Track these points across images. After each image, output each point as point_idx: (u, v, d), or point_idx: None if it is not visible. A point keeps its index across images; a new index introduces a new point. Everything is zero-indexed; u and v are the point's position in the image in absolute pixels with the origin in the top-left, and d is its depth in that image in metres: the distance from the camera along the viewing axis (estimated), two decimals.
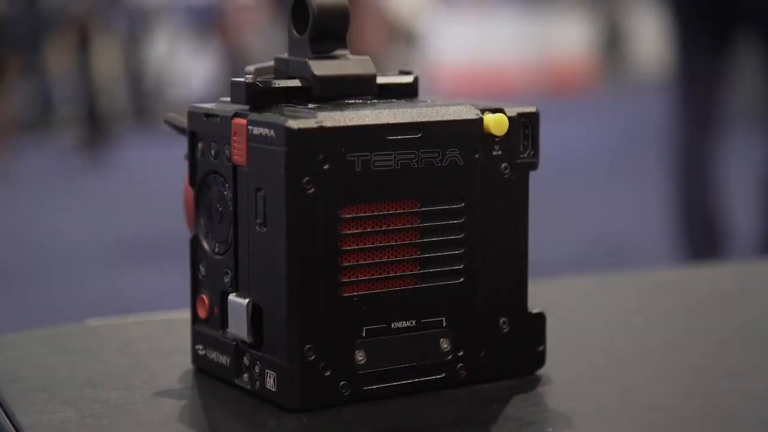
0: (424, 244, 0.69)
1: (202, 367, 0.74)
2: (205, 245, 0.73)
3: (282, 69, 0.73)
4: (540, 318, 0.74)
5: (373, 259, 0.68)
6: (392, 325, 0.69)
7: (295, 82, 0.71)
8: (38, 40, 7.17)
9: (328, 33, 0.71)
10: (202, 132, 0.73)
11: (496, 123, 0.70)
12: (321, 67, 0.71)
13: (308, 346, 0.66)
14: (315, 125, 0.66)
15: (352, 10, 0.73)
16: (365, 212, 0.68)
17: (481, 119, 0.70)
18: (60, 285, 3.79)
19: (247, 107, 0.70)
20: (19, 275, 3.92)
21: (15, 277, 3.90)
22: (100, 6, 7.28)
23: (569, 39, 9.29)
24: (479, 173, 0.70)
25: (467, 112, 0.70)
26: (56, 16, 6.89)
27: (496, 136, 0.71)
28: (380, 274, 0.68)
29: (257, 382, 0.69)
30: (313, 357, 0.66)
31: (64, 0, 6.80)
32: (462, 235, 0.70)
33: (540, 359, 0.74)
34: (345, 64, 0.72)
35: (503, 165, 0.71)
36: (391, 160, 0.68)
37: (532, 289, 0.73)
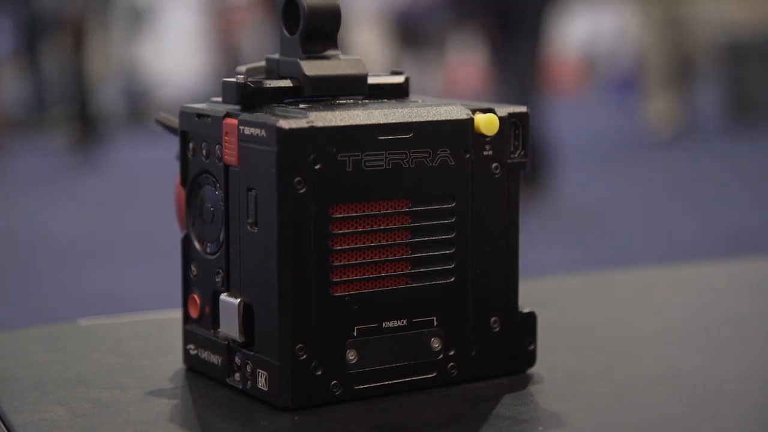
0: (415, 243, 0.70)
1: (193, 367, 0.74)
2: (197, 245, 0.73)
3: (273, 69, 0.73)
4: (531, 317, 0.74)
5: (364, 259, 0.68)
6: (383, 324, 0.69)
7: (287, 82, 0.71)
8: (33, 39, 7.17)
9: (320, 33, 0.72)
10: (193, 132, 0.73)
11: (487, 123, 0.71)
12: (312, 67, 0.71)
13: (300, 345, 0.66)
14: (306, 125, 0.66)
15: None
16: (356, 212, 0.68)
17: (472, 119, 0.71)
18: (52, 284, 3.78)
19: (238, 107, 0.70)
20: (11, 274, 3.92)
21: (7, 276, 3.89)
22: (94, 7, 7.27)
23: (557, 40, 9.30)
24: (470, 173, 0.71)
25: (458, 112, 0.70)
26: (51, 17, 6.88)
27: (486, 136, 0.71)
28: (371, 274, 0.68)
29: (249, 382, 0.69)
30: (304, 356, 0.67)
31: (58, 0, 6.79)
32: (453, 235, 0.70)
33: (531, 358, 0.74)
34: (336, 64, 0.72)
35: (494, 165, 0.71)
36: (382, 159, 0.68)
37: (522, 288, 0.73)
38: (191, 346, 0.74)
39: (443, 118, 0.70)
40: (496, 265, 0.72)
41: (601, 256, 3.90)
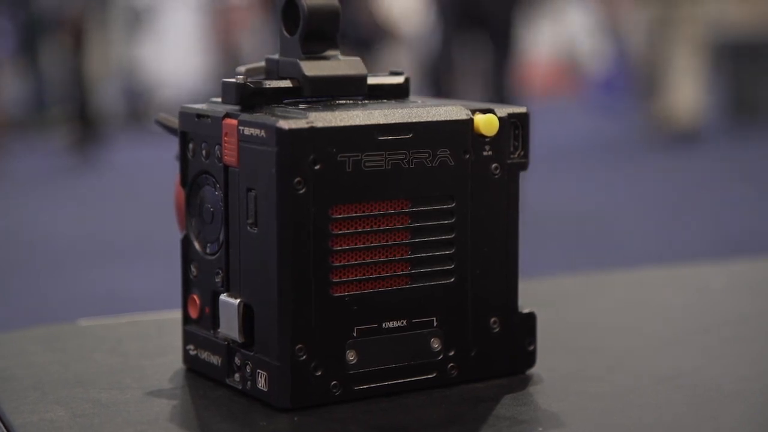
0: (415, 244, 0.70)
1: (193, 367, 0.74)
2: (197, 245, 0.73)
3: (273, 69, 0.73)
4: (530, 317, 0.74)
5: (364, 259, 0.68)
6: (383, 324, 0.69)
7: (286, 83, 0.71)
8: (33, 40, 7.17)
9: (319, 33, 0.72)
10: (193, 132, 0.73)
11: (487, 123, 0.71)
12: (312, 68, 0.71)
13: (299, 345, 0.66)
14: (306, 126, 0.66)
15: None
16: (356, 212, 0.68)
17: (472, 120, 0.71)
18: (52, 284, 3.78)
19: (238, 108, 0.70)
20: (11, 274, 3.92)
21: (7, 276, 3.89)
22: (94, 7, 7.26)
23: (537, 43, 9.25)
24: (470, 174, 0.71)
25: (458, 113, 0.71)
26: (50, 17, 6.88)
27: (486, 137, 0.71)
28: (371, 274, 0.68)
29: (248, 382, 0.69)
30: (304, 357, 0.67)
31: (58, 1, 6.79)
32: (452, 236, 0.70)
33: (530, 358, 0.74)
34: (336, 65, 0.72)
35: (493, 165, 0.71)
36: (382, 160, 0.68)
37: (522, 288, 0.73)
38: (191, 347, 0.74)
39: (443, 119, 0.70)
40: (496, 265, 0.72)
41: (602, 257, 3.90)
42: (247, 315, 0.69)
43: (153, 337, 0.84)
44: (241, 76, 0.70)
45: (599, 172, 5.70)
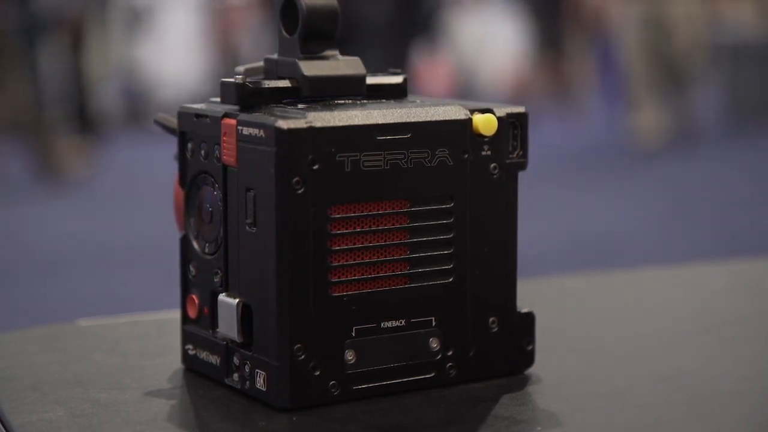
0: (414, 244, 0.70)
1: (192, 367, 0.74)
2: (195, 245, 0.73)
3: (272, 69, 0.73)
4: (529, 317, 0.74)
5: (362, 259, 0.68)
6: (382, 324, 0.69)
7: (285, 83, 0.71)
8: (31, 40, 7.17)
9: (318, 33, 0.72)
10: (192, 132, 0.73)
11: (485, 123, 0.71)
12: (311, 68, 0.71)
13: (298, 345, 0.66)
14: (305, 125, 0.66)
15: None
16: (355, 212, 0.68)
17: (471, 119, 0.71)
18: (51, 285, 3.78)
19: (237, 108, 0.70)
20: (11, 275, 3.92)
21: (6, 277, 3.89)
22: (94, 7, 7.27)
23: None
24: (468, 173, 0.71)
25: (456, 113, 0.71)
26: (49, 17, 6.88)
27: (485, 137, 0.71)
28: (370, 274, 0.68)
29: (247, 382, 0.69)
30: (303, 356, 0.67)
31: (57, 1, 6.79)
32: (451, 235, 0.70)
33: (529, 358, 0.74)
34: (335, 65, 0.72)
35: (492, 165, 0.71)
36: (381, 160, 0.68)
37: (521, 288, 0.73)
38: (190, 347, 0.74)
39: (442, 119, 0.70)
40: (495, 265, 0.72)
41: (602, 257, 3.90)
42: (245, 315, 0.69)
43: (152, 337, 0.84)
44: (240, 76, 0.71)
45: (596, 174, 5.70)
